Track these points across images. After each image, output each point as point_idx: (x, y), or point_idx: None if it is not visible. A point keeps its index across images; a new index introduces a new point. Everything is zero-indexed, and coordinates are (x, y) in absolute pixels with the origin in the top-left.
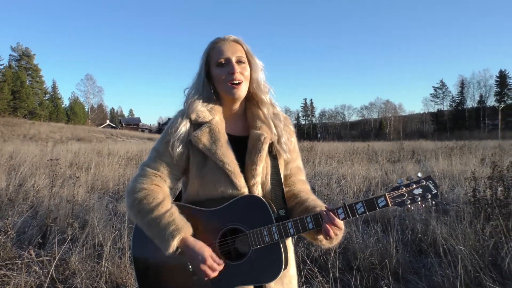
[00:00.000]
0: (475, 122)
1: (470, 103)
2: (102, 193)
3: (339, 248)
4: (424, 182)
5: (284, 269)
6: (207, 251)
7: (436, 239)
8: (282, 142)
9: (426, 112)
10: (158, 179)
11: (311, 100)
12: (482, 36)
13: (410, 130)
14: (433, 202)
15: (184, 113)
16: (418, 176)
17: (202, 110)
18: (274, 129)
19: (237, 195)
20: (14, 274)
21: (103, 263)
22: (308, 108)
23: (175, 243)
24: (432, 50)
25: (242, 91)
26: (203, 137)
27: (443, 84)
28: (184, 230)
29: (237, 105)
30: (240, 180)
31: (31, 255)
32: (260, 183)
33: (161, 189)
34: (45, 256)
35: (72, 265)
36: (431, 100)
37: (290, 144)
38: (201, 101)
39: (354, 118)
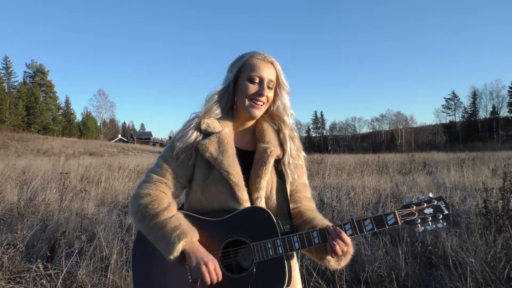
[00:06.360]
0: (488, 133)
1: (483, 114)
2: (111, 206)
3: None
4: (435, 202)
5: (286, 286)
6: (210, 256)
7: (446, 251)
8: (290, 162)
9: (438, 123)
10: (163, 185)
11: (321, 112)
12: (494, 47)
13: (422, 142)
14: (444, 224)
15: (194, 122)
16: (429, 196)
17: (213, 120)
18: (287, 149)
19: (238, 209)
20: None
21: (110, 276)
22: (318, 121)
23: (180, 247)
24: (443, 61)
25: (261, 112)
26: (211, 146)
27: (455, 95)
28: (190, 234)
29: (250, 122)
30: (243, 194)
31: (39, 268)
32: (264, 197)
33: (166, 195)
34: (53, 270)
35: (79, 278)
36: (443, 111)
37: (297, 162)
38: (214, 111)
39: (365, 130)
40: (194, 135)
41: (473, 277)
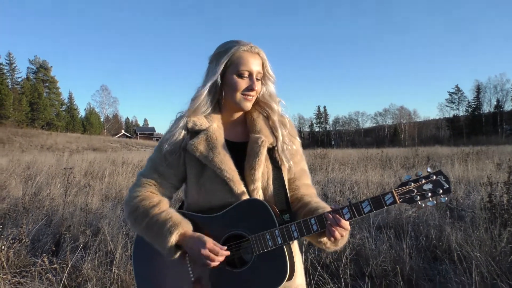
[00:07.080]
0: (492, 127)
1: (487, 108)
2: (116, 201)
3: (351, 254)
4: (434, 177)
5: (288, 276)
6: (207, 237)
7: (451, 246)
8: (285, 149)
9: (442, 117)
10: (153, 187)
11: (324, 107)
12: (498, 40)
13: (426, 136)
14: (446, 198)
15: (180, 121)
16: (427, 171)
17: (199, 117)
18: (279, 136)
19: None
20: (28, 282)
21: (115, 270)
22: (321, 115)
23: (173, 238)
24: (447, 55)
25: (251, 104)
26: (200, 145)
27: (458, 89)
28: (182, 225)
29: (239, 113)
30: (239, 188)
31: (44, 262)
32: (261, 188)
33: (156, 195)
34: (58, 264)
35: (84, 272)
36: (447, 106)
37: (292, 148)
38: (201, 108)
39: (368, 124)
40: (181, 135)
41: (478, 271)
